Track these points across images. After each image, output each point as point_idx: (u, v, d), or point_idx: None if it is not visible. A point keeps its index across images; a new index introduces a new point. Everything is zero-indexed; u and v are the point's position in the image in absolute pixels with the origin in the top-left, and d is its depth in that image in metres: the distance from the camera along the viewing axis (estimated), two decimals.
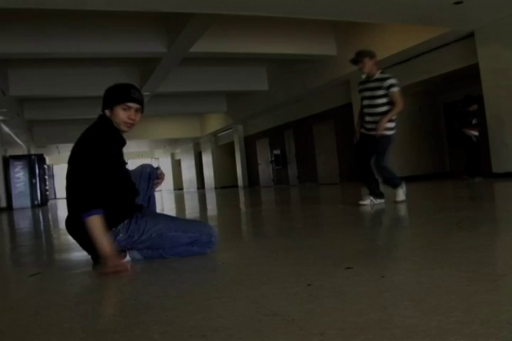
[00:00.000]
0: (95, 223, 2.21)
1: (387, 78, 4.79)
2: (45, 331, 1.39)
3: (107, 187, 2.33)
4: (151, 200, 2.82)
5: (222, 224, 4.76)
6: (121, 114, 2.45)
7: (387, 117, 4.75)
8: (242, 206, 8.13)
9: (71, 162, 2.45)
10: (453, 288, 1.50)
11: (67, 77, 13.08)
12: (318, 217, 4.82)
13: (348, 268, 1.91)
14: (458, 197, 6.16)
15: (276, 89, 15.68)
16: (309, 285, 1.67)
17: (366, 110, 4.96)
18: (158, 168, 2.87)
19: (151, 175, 2.77)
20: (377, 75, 4.86)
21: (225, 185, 24.45)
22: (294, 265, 2.15)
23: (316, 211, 5.68)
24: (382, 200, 5.03)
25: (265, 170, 20.46)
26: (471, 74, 9.43)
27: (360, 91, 5.02)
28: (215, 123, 23.01)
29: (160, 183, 2.87)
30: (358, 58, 4.93)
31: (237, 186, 22.71)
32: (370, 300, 1.44)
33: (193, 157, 29.40)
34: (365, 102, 4.96)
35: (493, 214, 3.60)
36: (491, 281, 1.56)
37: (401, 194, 4.95)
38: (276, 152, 19.08)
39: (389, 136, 4.87)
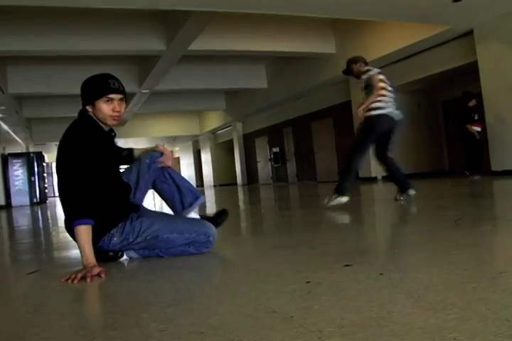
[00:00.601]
0: (79, 233, 2.14)
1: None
2: (44, 329, 1.39)
3: (95, 192, 2.24)
4: (175, 179, 2.69)
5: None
6: (105, 108, 2.31)
7: (366, 103, 4.70)
8: (241, 203, 8.13)
9: (56, 165, 2.36)
10: (451, 286, 1.50)
11: (66, 75, 13.04)
12: (316, 215, 4.82)
13: (347, 265, 1.91)
14: (456, 195, 6.16)
15: (276, 86, 15.66)
16: (308, 282, 1.68)
17: None
18: (156, 150, 2.68)
19: (151, 166, 2.64)
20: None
21: (224, 182, 24.44)
22: (293, 262, 2.15)
23: (314, 208, 5.68)
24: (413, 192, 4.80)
25: (264, 167, 20.47)
26: (470, 72, 9.44)
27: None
28: (213, 121, 23.00)
29: (167, 162, 2.66)
30: (347, 67, 5.17)
31: (236, 184, 22.71)
32: (369, 298, 1.44)
33: (191, 155, 29.40)
34: None
35: (492, 212, 3.61)
36: (489, 279, 1.57)
37: (335, 201, 4.62)
38: (275, 150, 19.08)
39: (372, 117, 4.69)
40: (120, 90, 2.36)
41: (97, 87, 2.33)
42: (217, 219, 2.88)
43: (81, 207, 2.17)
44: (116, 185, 2.46)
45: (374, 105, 4.72)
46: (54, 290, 1.97)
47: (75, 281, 1.99)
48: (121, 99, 2.36)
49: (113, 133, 2.52)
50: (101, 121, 2.38)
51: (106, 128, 2.44)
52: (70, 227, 2.24)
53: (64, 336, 1.32)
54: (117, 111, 2.34)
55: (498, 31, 8.57)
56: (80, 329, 1.36)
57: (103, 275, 2.05)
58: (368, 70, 4.91)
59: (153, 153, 2.67)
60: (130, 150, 2.72)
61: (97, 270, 2.06)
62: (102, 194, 2.32)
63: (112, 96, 2.32)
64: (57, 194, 2.42)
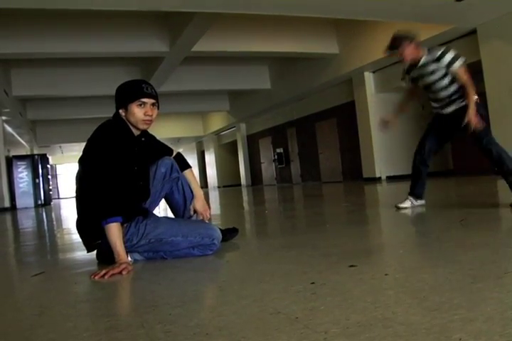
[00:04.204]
0: (110, 231, 2.21)
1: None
2: (49, 330, 1.40)
3: (117, 191, 2.29)
4: (185, 192, 2.76)
5: (226, 222, 4.76)
6: (137, 112, 2.38)
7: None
8: (246, 205, 8.13)
9: (82, 163, 2.41)
10: (456, 286, 1.50)
11: (70, 77, 13.10)
12: (321, 216, 4.82)
13: (352, 266, 1.91)
14: (460, 195, 6.15)
15: (279, 87, 15.67)
16: (313, 283, 1.67)
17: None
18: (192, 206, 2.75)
19: (166, 175, 2.70)
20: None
21: (228, 183, 24.46)
22: (297, 263, 2.15)
23: (319, 209, 5.68)
24: (423, 201, 4.21)
25: (268, 168, 20.46)
26: (474, 71, 9.40)
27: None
28: (217, 122, 23.02)
29: (202, 214, 2.77)
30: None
31: (240, 185, 22.71)
32: (374, 298, 1.43)
33: (195, 156, 29.42)
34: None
35: (497, 212, 3.59)
36: (494, 279, 1.56)
37: None
38: (279, 150, 19.07)
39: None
40: (153, 95, 2.43)
41: (131, 91, 2.40)
42: (227, 234, 2.92)
43: (111, 204, 2.24)
44: (133, 188, 2.47)
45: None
46: (59, 292, 1.97)
47: (97, 277, 2.09)
48: (153, 104, 2.44)
49: (143, 139, 2.56)
50: (133, 125, 2.44)
51: (136, 133, 2.49)
52: (84, 226, 2.38)
53: (69, 337, 1.32)
54: (149, 115, 2.41)
55: (501, 30, 8.55)
56: (84, 331, 1.36)
57: (124, 273, 2.13)
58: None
59: (167, 162, 2.72)
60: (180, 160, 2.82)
61: (120, 268, 2.14)
62: (117, 194, 2.32)
63: (144, 100, 2.39)
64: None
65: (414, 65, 3.96)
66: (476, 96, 3.76)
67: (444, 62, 3.73)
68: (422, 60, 3.85)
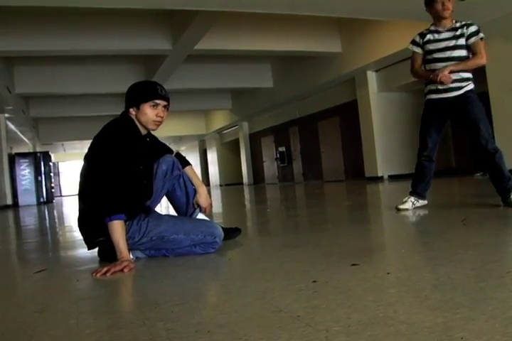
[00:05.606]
0: (113, 228, 2.20)
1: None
2: (51, 327, 1.40)
3: (122, 189, 2.29)
4: (188, 188, 2.76)
5: (228, 221, 4.76)
6: (150, 112, 2.42)
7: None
8: (248, 203, 8.13)
9: (89, 159, 2.42)
10: (458, 285, 1.50)
11: (72, 75, 13.11)
12: (323, 214, 4.82)
13: (354, 264, 1.91)
14: (463, 194, 6.14)
15: (281, 86, 15.66)
16: (314, 281, 1.67)
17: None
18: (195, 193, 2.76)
19: (168, 173, 2.71)
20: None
21: (230, 182, 24.47)
22: (299, 261, 2.15)
23: (320, 208, 5.67)
24: (425, 202, 4.01)
25: (270, 167, 20.46)
26: (476, 71, 9.37)
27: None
28: (220, 120, 23.02)
29: (205, 209, 2.80)
30: None
31: (242, 183, 22.71)
32: (376, 297, 1.43)
33: (197, 154, 29.43)
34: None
35: (498, 211, 3.59)
36: (497, 278, 1.56)
37: None
38: (282, 149, 19.07)
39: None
40: (166, 97, 2.50)
41: (146, 91, 2.45)
42: (229, 234, 2.93)
43: (116, 202, 2.24)
44: (138, 186, 2.48)
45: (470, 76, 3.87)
46: (61, 289, 1.98)
47: (98, 275, 2.09)
48: (165, 106, 2.50)
49: (148, 139, 2.58)
50: (142, 125, 2.47)
51: (143, 132, 2.52)
52: (86, 223, 2.38)
53: (71, 334, 1.32)
54: (160, 117, 2.47)
55: (504, 29, 8.52)
56: (86, 328, 1.36)
57: (126, 270, 2.12)
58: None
59: (168, 159, 2.72)
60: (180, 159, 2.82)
61: (122, 265, 2.13)
62: (122, 192, 2.32)
63: (158, 101, 2.45)
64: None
65: (436, 32, 3.88)
66: (472, 85, 3.82)
67: (470, 30, 3.68)
68: (452, 25, 3.77)
